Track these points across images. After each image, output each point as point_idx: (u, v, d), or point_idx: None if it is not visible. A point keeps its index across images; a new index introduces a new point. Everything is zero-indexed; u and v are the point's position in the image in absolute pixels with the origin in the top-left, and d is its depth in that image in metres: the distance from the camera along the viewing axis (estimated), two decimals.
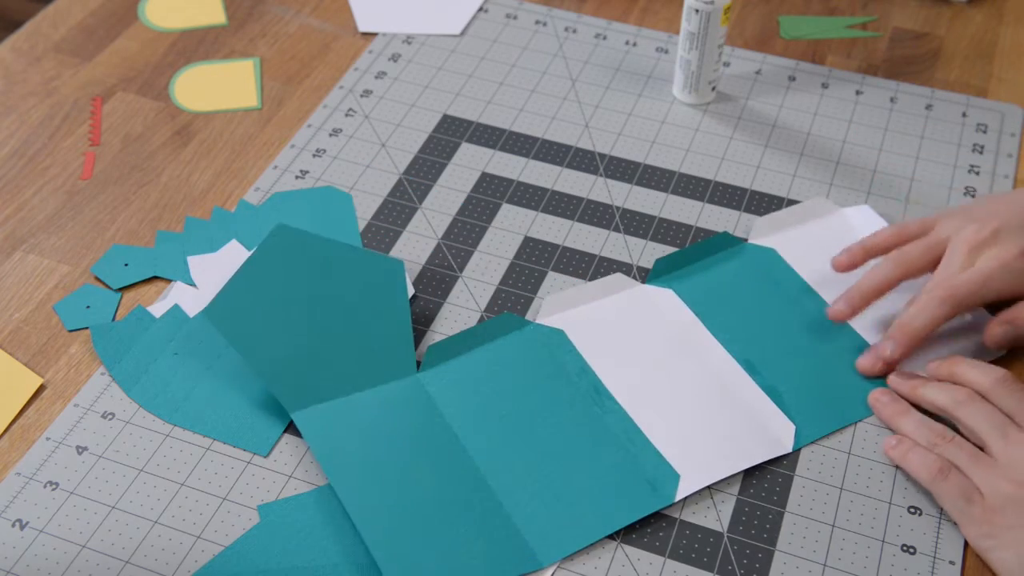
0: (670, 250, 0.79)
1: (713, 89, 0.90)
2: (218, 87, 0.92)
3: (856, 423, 0.69)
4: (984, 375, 0.66)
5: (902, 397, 0.68)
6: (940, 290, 0.69)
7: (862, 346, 0.72)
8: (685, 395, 0.69)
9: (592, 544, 0.62)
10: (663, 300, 0.75)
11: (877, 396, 0.69)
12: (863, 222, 0.80)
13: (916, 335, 0.69)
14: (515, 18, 0.99)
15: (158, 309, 0.74)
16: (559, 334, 0.72)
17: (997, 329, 0.70)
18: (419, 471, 0.65)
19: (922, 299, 0.70)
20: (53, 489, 0.65)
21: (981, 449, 0.64)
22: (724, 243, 0.78)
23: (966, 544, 0.63)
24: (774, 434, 0.67)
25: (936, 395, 0.67)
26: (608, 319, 0.74)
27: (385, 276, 0.73)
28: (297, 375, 0.68)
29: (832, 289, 0.74)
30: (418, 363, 0.70)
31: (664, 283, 0.75)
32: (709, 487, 0.65)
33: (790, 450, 0.67)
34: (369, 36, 0.97)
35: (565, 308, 0.74)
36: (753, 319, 0.73)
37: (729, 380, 0.70)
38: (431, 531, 0.62)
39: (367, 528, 0.62)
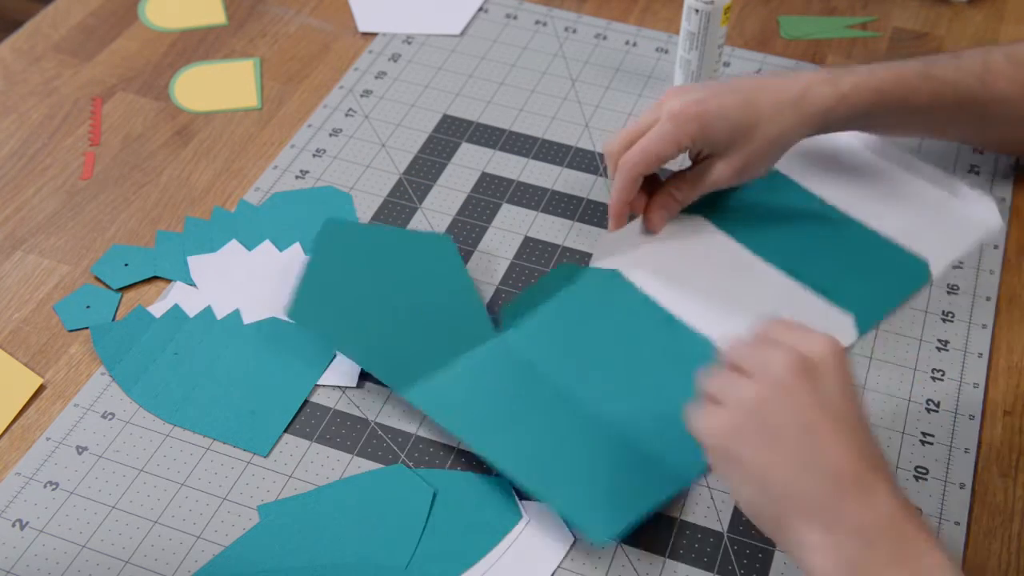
0: None
1: None
2: (218, 87, 0.92)
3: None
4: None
5: None
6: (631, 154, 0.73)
7: (899, 251, 0.76)
8: (751, 311, 0.68)
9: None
10: (700, 227, 0.78)
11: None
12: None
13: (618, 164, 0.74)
14: (515, 18, 0.99)
15: (158, 309, 0.74)
16: (617, 276, 0.74)
17: (654, 215, 0.76)
18: (547, 419, 0.66)
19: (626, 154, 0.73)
20: (53, 489, 0.65)
21: None
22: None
23: (965, 544, 0.63)
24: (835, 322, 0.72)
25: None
26: (659, 253, 0.76)
27: (438, 250, 0.75)
28: (392, 356, 0.69)
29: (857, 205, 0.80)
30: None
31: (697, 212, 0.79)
32: (709, 487, 0.65)
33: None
34: (369, 36, 0.97)
35: (615, 253, 0.76)
36: (792, 235, 0.77)
37: (784, 290, 0.74)
38: (589, 467, 0.63)
39: (531, 480, 0.63)
